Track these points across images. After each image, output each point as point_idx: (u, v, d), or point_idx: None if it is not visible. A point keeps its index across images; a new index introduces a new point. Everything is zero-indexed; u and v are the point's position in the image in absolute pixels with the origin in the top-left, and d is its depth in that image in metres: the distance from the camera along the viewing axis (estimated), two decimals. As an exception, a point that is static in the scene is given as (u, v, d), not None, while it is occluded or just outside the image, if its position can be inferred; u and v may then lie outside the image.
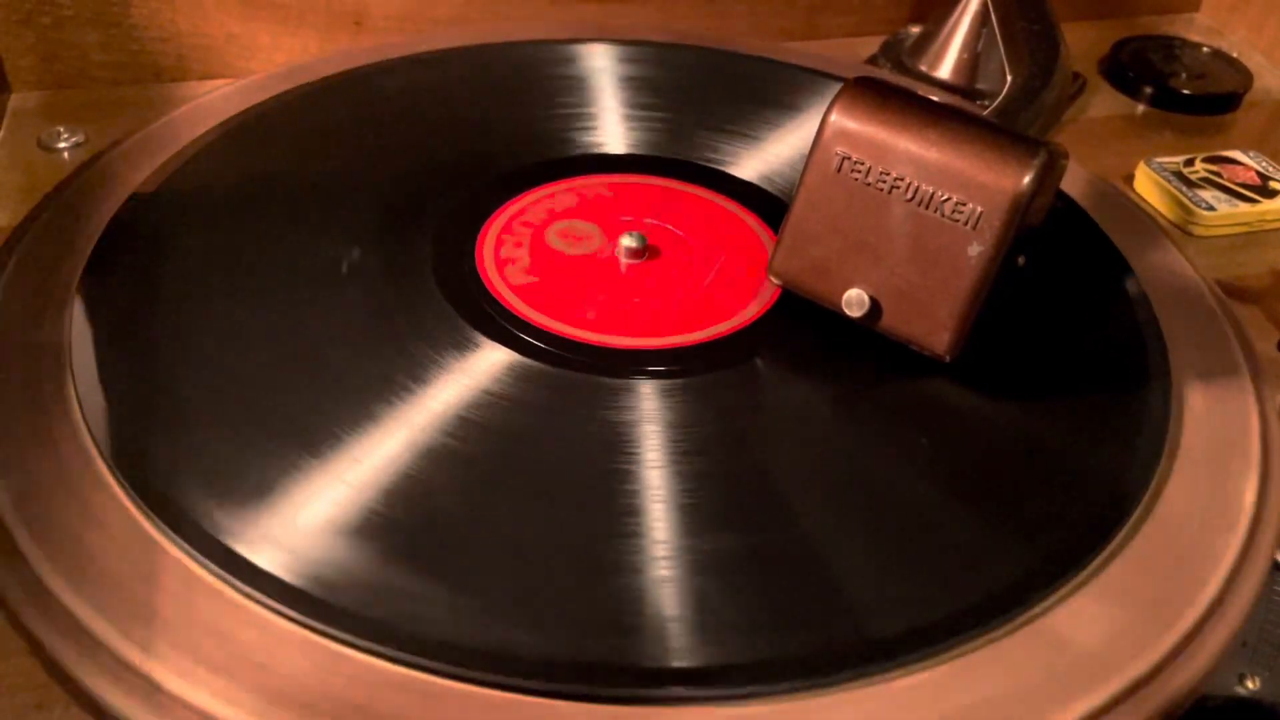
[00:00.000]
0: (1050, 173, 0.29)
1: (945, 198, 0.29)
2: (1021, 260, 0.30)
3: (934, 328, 0.29)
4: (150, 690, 0.22)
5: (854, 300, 0.30)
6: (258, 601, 0.24)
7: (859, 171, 0.30)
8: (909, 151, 0.29)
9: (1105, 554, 0.26)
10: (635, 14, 0.50)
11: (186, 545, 0.25)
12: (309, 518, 0.25)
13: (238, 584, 0.24)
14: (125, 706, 0.22)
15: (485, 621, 0.24)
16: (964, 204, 0.28)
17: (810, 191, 0.30)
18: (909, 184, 0.29)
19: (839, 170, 0.30)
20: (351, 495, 0.26)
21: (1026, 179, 0.28)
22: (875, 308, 0.30)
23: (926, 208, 0.29)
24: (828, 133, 0.30)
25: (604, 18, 0.49)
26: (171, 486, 0.26)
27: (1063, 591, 0.25)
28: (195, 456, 0.27)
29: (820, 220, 0.30)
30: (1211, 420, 0.31)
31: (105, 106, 0.44)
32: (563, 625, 0.24)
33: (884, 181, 0.29)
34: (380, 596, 0.24)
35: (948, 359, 0.30)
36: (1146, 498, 0.28)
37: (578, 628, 0.24)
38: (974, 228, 0.28)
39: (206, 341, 0.30)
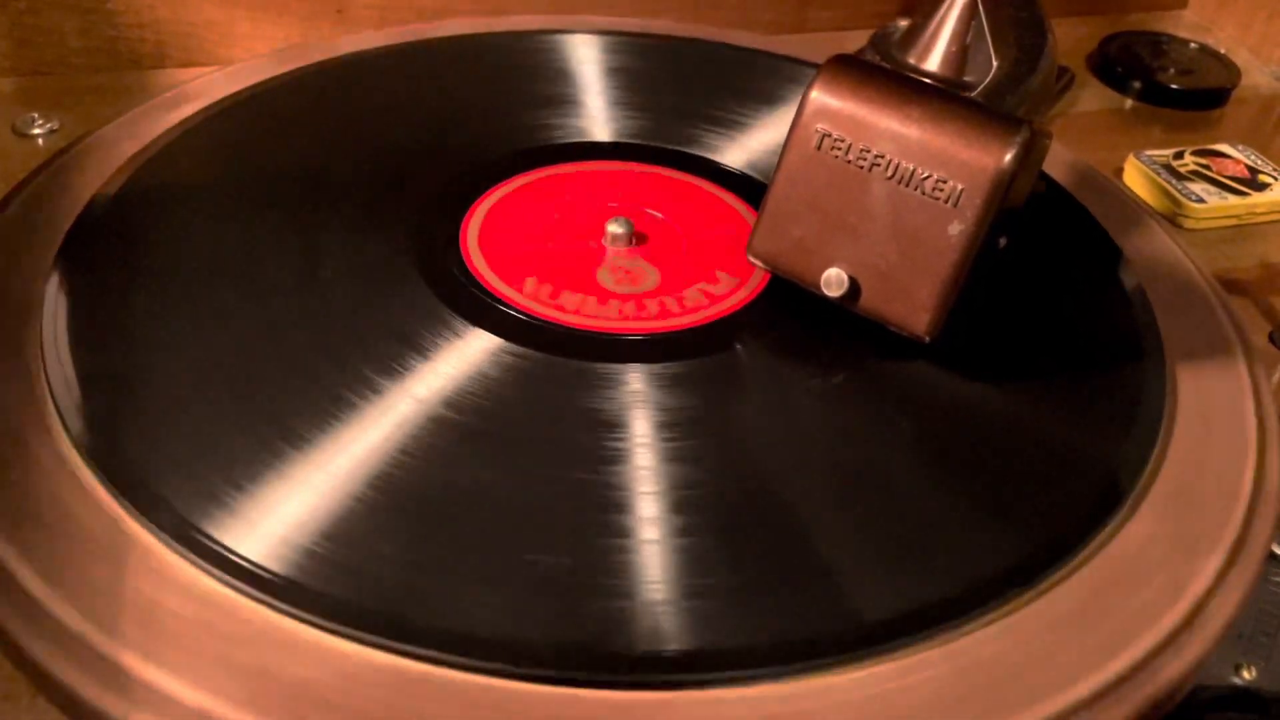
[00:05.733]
0: (1032, 152, 0.28)
1: (926, 175, 0.28)
2: (1003, 241, 0.30)
3: (913, 308, 0.29)
4: (121, 679, 0.21)
5: (833, 280, 0.29)
6: (234, 589, 0.23)
7: (839, 149, 0.29)
8: (889, 128, 0.29)
9: (1098, 541, 0.26)
10: (623, 7, 0.50)
11: (160, 531, 0.24)
12: (289, 505, 0.25)
13: (212, 571, 0.23)
14: (95, 696, 0.21)
15: (470, 609, 0.23)
16: (945, 181, 0.28)
17: (790, 170, 0.30)
18: (889, 161, 0.29)
19: (819, 148, 0.29)
20: (332, 482, 0.25)
21: (1008, 156, 0.28)
22: (854, 287, 0.29)
23: (907, 185, 0.28)
24: (808, 110, 0.29)
25: (591, 9, 0.48)
26: (145, 473, 0.25)
27: (1054, 578, 0.25)
28: (170, 443, 0.26)
29: (800, 199, 0.30)
30: (1206, 405, 0.30)
31: (82, 94, 0.44)
32: (551, 612, 0.23)
33: (864, 159, 0.29)
34: (362, 584, 0.23)
35: (927, 339, 0.29)
36: (1139, 484, 0.27)
37: (566, 614, 0.23)
38: (955, 206, 0.28)
39: (183, 329, 0.29)
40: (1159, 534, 0.26)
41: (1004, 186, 0.28)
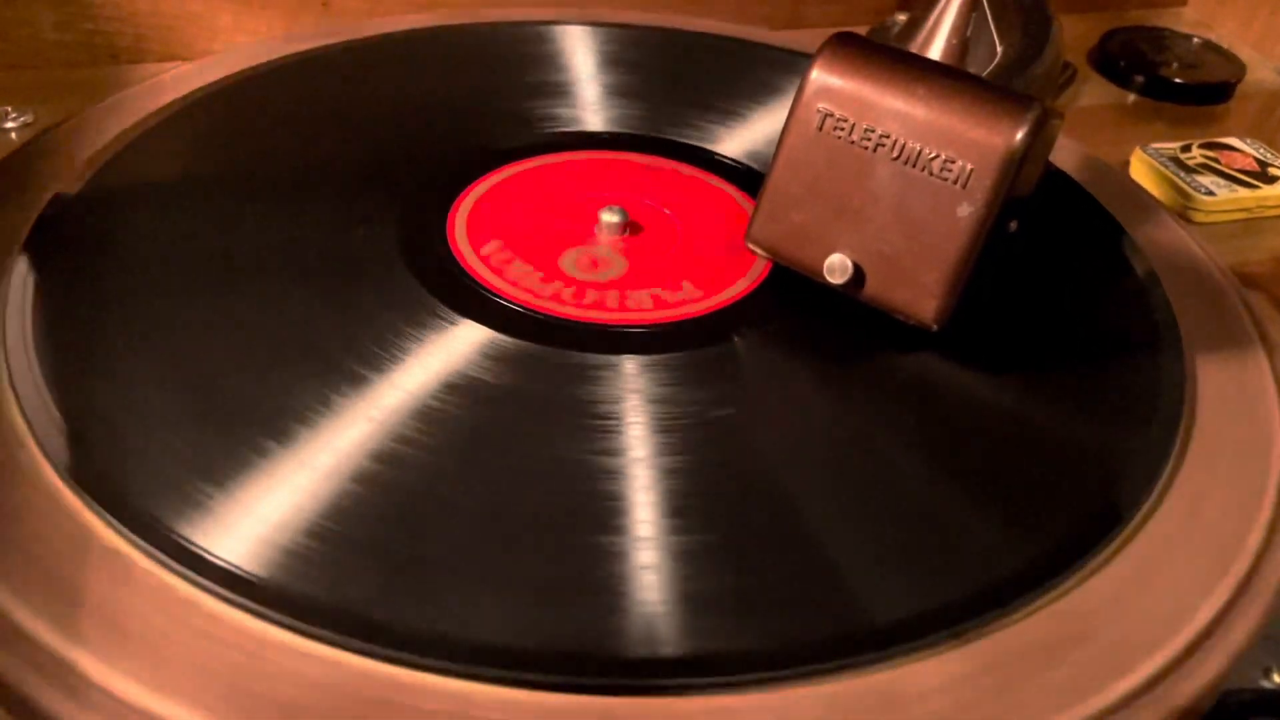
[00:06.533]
0: (1042, 132, 0.27)
1: (933, 155, 0.27)
2: (1013, 225, 0.29)
3: (920, 295, 0.28)
4: (75, 682, 0.20)
5: (836, 266, 0.28)
6: (208, 591, 0.22)
7: (842, 129, 0.28)
8: (895, 107, 0.27)
9: (1118, 542, 0.25)
10: (616, 3, 0.49)
11: (129, 531, 0.23)
12: (269, 503, 0.23)
13: (185, 573, 0.22)
14: (48, 701, 0.20)
15: (460, 611, 0.22)
16: (953, 161, 0.27)
17: (790, 152, 0.29)
18: (895, 141, 0.27)
19: (821, 128, 0.28)
20: (316, 480, 0.24)
21: (1019, 134, 0.26)
22: (859, 274, 0.28)
23: (913, 166, 0.27)
24: (809, 89, 0.28)
25: (583, 2, 0.47)
26: (114, 471, 0.24)
27: (1072, 580, 0.24)
28: (143, 441, 0.25)
29: (801, 183, 0.29)
30: (1228, 399, 0.29)
31: (58, 88, 0.43)
32: (544, 615, 0.22)
33: (868, 140, 0.28)
34: (347, 585, 0.22)
35: (935, 328, 0.28)
36: (1161, 481, 0.26)
37: (560, 615, 0.22)
38: (964, 187, 0.27)
39: (156, 323, 0.28)
40: (1182, 534, 0.25)
41: (1015, 167, 0.26)
